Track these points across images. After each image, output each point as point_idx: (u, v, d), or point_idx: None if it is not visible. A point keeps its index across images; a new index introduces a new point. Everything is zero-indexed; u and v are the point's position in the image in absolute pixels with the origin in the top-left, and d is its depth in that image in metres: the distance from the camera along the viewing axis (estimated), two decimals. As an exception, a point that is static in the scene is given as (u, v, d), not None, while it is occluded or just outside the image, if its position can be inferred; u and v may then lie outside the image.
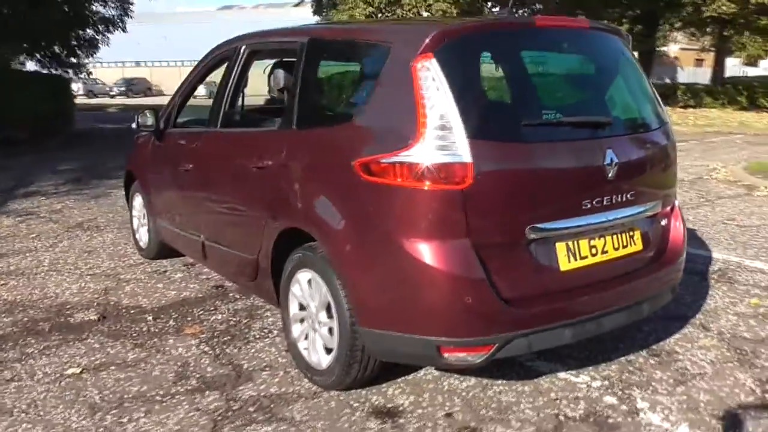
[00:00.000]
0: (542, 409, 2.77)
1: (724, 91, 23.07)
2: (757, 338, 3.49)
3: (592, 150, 2.63)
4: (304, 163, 2.90)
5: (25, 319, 3.93)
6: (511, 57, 2.74)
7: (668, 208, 3.07)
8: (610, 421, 2.68)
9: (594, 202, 2.62)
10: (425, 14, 18.08)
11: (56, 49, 15.90)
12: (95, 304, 4.18)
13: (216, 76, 4.26)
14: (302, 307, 3.05)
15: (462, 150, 2.34)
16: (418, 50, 2.44)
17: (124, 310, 4.05)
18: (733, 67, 46.35)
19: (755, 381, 3.01)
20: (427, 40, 2.44)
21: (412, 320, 2.47)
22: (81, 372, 3.19)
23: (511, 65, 2.73)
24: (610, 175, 2.63)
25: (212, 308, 4.05)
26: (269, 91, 3.92)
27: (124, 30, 16.74)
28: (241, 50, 3.72)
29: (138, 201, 5.16)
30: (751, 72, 55.91)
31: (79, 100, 25.83)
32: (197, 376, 3.13)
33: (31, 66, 16.34)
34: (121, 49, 18.38)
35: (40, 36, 14.67)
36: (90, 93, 46.65)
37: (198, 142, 3.87)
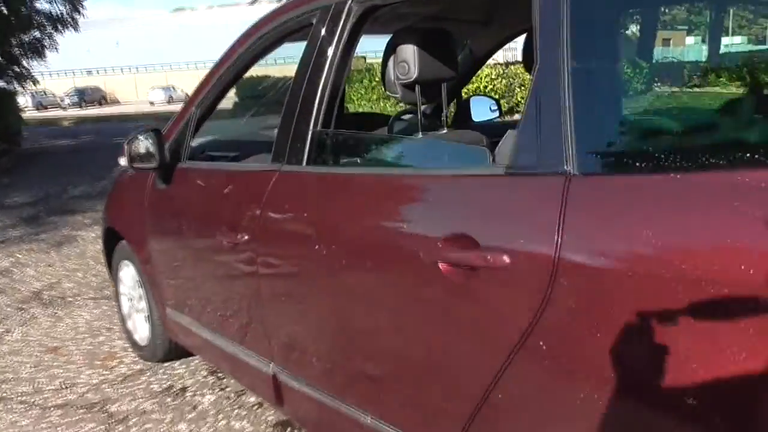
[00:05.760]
0: None
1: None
2: None
3: None
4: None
5: None
6: None
7: None
8: None
9: None
10: None
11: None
12: (74, 489, 2.31)
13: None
14: None
15: None
16: None
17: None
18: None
19: None
20: None
21: None
22: None
23: None
24: None
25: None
26: (386, 88, 2.12)
27: (75, 29, 14.37)
28: (346, 9, 1.89)
29: (128, 273, 3.27)
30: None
31: (28, 115, 23.50)
32: None
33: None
34: (71, 57, 16.32)
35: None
36: (39, 105, 43.84)
37: (261, 190, 2.02)
